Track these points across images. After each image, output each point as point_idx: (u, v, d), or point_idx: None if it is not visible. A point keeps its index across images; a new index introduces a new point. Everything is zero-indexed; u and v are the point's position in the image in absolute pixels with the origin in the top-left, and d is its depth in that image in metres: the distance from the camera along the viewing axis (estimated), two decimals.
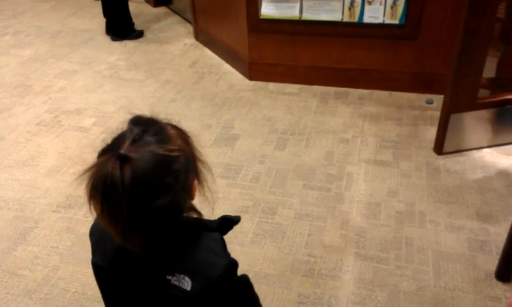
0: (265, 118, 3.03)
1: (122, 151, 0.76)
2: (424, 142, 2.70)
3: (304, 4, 3.10)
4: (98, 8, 4.51)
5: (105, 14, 4.28)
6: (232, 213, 1.09)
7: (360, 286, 1.90)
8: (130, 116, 0.85)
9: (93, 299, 1.90)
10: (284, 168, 2.57)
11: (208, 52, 3.98)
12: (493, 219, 2.18)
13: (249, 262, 2.02)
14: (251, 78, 3.49)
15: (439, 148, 2.59)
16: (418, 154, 2.62)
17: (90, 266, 0.95)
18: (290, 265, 2.01)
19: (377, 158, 2.61)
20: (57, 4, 5.31)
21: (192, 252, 0.87)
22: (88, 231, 0.99)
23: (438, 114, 2.59)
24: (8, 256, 2.13)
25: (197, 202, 0.93)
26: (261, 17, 3.23)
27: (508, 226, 1.82)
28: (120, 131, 0.83)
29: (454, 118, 2.49)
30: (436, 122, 2.60)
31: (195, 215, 0.93)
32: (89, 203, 0.78)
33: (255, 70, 3.45)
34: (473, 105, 2.48)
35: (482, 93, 2.51)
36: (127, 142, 0.78)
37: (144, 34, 4.37)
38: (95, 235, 0.97)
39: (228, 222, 1.07)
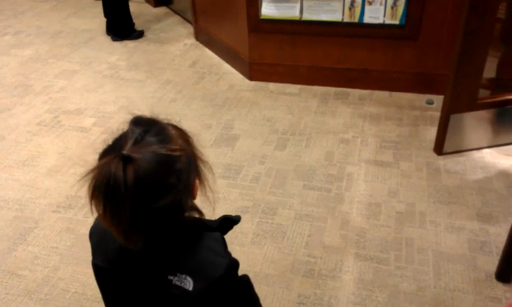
0: (265, 118, 3.03)
1: (125, 152, 0.76)
2: (424, 143, 2.70)
3: (305, 4, 3.10)
4: (99, 8, 4.51)
5: (106, 14, 4.28)
6: (232, 214, 1.09)
7: (360, 287, 1.90)
8: (130, 117, 0.85)
9: (93, 300, 1.90)
10: (284, 168, 2.57)
11: (209, 52, 3.98)
12: (493, 220, 2.18)
13: (249, 262, 2.02)
14: (251, 78, 3.49)
15: (439, 148, 2.59)
16: (419, 154, 2.62)
17: (90, 266, 0.95)
18: (290, 265, 2.01)
19: (377, 158, 2.61)
20: (57, 4, 5.31)
21: (194, 252, 0.88)
22: (88, 232, 0.99)
23: (438, 114, 2.59)
24: (7, 256, 2.13)
25: (198, 202, 0.93)
26: (261, 17, 3.23)
27: (508, 227, 1.82)
28: (121, 132, 0.83)
29: (454, 118, 2.49)
30: (437, 122, 2.60)
31: (197, 215, 0.93)
32: (91, 204, 0.78)
33: (255, 70, 3.45)
34: (473, 105, 2.48)
35: (483, 93, 2.51)
36: (129, 143, 0.78)
37: (145, 34, 4.37)
38: (95, 236, 0.97)
39: (229, 222, 1.07)
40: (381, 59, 3.14)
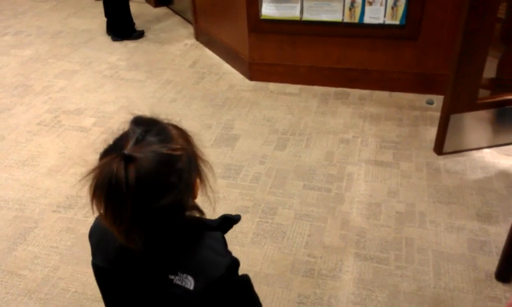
0: (265, 118, 3.03)
1: (126, 152, 0.76)
2: (424, 143, 2.70)
3: (305, 4, 3.10)
4: (99, 8, 4.52)
5: (107, 14, 4.28)
6: (232, 214, 1.09)
7: (360, 287, 1.90)
8: (130, 117, 0.85)
9: (93, 299, 1.90)
10: (284, 168, 2.57)
11: (209, 52, 3.98)
12: (493, 220, 2.18)
13: (249, 262, 2.02)
14: (251, 78, 3.49)
15: (439, 148, 2.59)
16: (419, 154, 2.62)
17: (90, 266, 0.95)
18: (290, 265, 2.01)
19: (377, 158, 2.61)
20: (57, 4, 5.31)
21: (195, 251, 0.88)
22: (88, 232, 0.99)
23: (438, 114, 2.59)
24: (8, 256, 2.13)
25: (199, 201, 0.93)
26: (261, 17, 3.23)
27: (508, 227, 1.82)
28: (121, 132, 0.83)
29: (454, 118, 2.49)
30: (437, 122, 2.60)
31: (198, 214, 0.93)
32: (92, 203, 0.78)
33: (255, 70, 3.45)
34: (473, 105, 2.48)
35: (483, 93, 2.51)
36: (130, 143, 0.79)
37: (145, 34, 4.38)
38: (95, 236, 0.97)
39: (229, 221, 1.07)
40: (381, 59, 3.14)
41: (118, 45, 4.22)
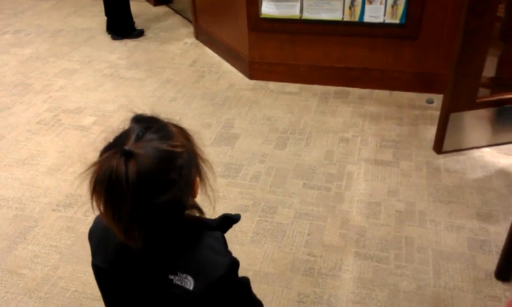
0: (265, 117, 3.03)
1: (127, 147, 0.76)
2: (424, 142, 2.70)
3: (305, 3, 3.10)
4: (99, 7, 4.51)
5: (107, 13, 4.28)
6: (232, 213, 1.09)
7: (359, 286, 1.90)
8: (130, 115, 0.85)
9: (93, 298, 1.90)
10: (284, 167, 2.57)
11: (209, 51, 3.98)
12: (493, 219, 2.18)
13: (249, 261, 2.02)
14: (251, 77, 3.49)
15: (439, 147, 2.59)
16: (419, 153, 2.62)
17: (90, 265, 0.95)
18: (290, 264, 2.01)
19: (377, 157, 2.61)
20: (57, 3, 5.31)
21: (195, 251, 0.88)
22: (87, 230, 0.99)
23: (438, 113, 2.59)
24: (7, 254, 2.13)
25: (198, 200, 0.93)
26: (261, 16, 3.23)
27: (508, 226, 1.82)
28: (121, 130, 0.83)
29: (454, 117, 2.49)
30: (436, 121, 2.60)
31: (197, 213, 0.93)
32: (92, 199, 0.78)
33: (255, 69, 3.45)
34: (473, 104, 2.48)
35: (482, 92, 2.51)
36: (131, 140, 0.79)
37: (145, 33, 4.37)
38: (95, 236, 0.97)
39: (228, 221, 1.07)
40: (381, 58, 3.14)
41: (118, 43, 4.21)
